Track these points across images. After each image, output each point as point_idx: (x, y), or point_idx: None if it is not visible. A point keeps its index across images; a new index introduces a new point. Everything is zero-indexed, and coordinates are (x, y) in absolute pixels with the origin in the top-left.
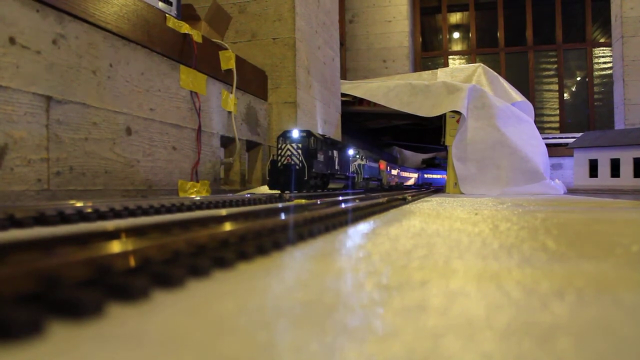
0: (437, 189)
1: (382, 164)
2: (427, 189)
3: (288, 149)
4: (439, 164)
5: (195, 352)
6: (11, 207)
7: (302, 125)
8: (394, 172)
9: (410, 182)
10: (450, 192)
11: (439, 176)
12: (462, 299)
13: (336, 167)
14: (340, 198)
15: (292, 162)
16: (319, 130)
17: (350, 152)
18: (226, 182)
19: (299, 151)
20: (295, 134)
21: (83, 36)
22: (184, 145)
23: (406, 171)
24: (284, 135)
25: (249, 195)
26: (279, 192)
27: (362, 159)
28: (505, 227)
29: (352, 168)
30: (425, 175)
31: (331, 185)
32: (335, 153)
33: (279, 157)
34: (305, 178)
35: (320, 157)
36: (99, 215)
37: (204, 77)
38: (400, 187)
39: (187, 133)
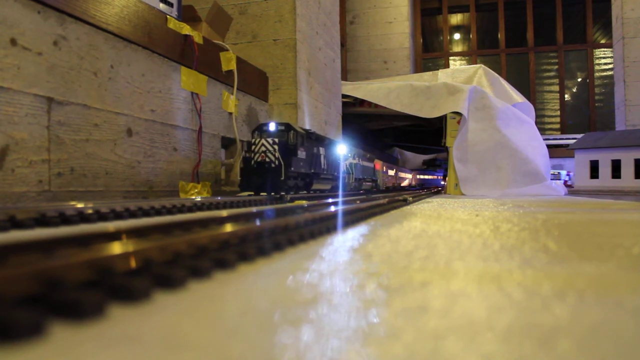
0: (437, 189)
1: (378, 164)
2: (420, 188)
3: (263, 144)
4: (440, 165)
5: (196, 353)
6: (12, 208)
7: (303, 126)
8: (391, 172)
9: (405, 183)
10: (451, 193)
11: (430, 177)
12: (463, 301)
13: (322, 165)
14: (341, 199)
15: (267, 160)
16: (320, 131)
17: (341, 149)
18: (227, 183)
19: (275, 147)
20: (272, 127)
21: (84, 37)
22: (185, 147)
23: (402, 172)
24: (260, 129)
25: (250, 197)
26: (252, 193)
27: (354, 158)
28: (506, 228)
29: (343, 167)
30: (419, 176)
31: (316, 186)
32: (322, 150)
33: (253, 154)
34: (282, 178)
35: (302, 154)
36: (100, 217)
37: (204, 79)
38: (395, 188)
39: (188, 134)
